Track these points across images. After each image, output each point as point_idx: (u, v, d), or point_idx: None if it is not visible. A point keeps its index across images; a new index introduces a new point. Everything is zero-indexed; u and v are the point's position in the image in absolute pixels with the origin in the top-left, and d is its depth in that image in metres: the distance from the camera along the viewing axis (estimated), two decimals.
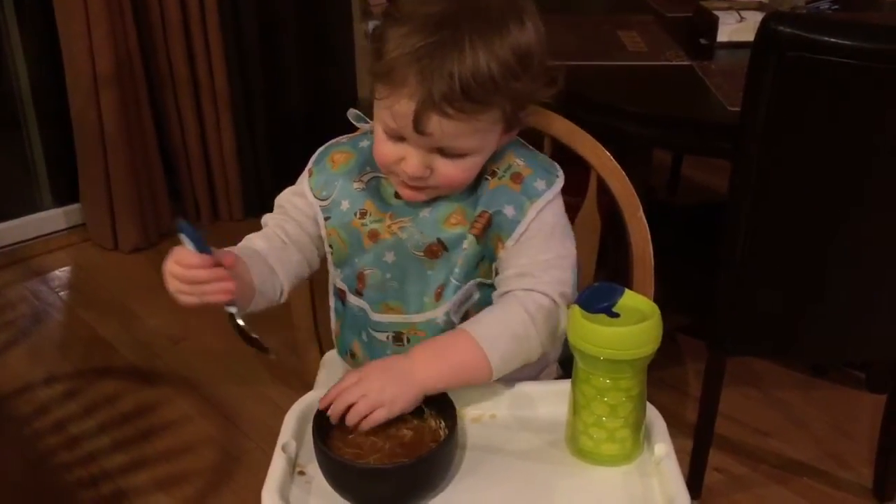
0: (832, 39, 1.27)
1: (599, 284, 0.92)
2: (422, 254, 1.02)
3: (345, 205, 1.05)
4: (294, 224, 1.07)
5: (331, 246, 1.07)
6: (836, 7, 2.14)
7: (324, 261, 1.11)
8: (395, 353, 1.05)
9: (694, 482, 1.72)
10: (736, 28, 1.91)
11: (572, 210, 1.25)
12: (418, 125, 0.92)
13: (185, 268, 0.89)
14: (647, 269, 1.18)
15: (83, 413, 2.00)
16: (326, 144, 1.10)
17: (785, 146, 1.37)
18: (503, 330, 0.97)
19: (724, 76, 1.74)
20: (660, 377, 2.07)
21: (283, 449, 0.92)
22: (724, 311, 1.55)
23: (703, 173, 2.94)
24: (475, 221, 1.01)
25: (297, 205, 1.08)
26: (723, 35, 1.92)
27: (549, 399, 1.00)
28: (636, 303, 0.90)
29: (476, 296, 1.04)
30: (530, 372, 1.12)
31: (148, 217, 2.66)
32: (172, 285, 0.91)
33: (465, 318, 1.03)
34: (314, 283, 1.18)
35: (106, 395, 2.06)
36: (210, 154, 2.75)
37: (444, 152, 0.96)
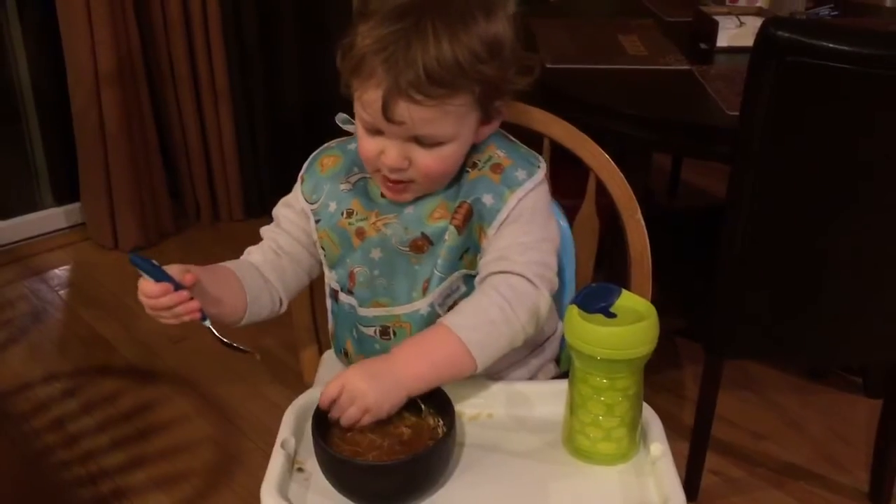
0: (830, 45, 1.27)
1: (597, 285, 0.93)
2: (407, 249, 1.03)
3: (332, 206, 1.07)
4: (286, 236, 1.10)
5: (323, 248, 1.09)
6: (835, 13, 2.15)
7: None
8: (383, 346, 1.06)
9: (690, 485, 1.72)
10: (735, 33, 1.92)
11: (571, 212, 1.26)
12: (387, 112, 0.94)
13: (148, 298, 0.94)
14: (646, 271, 1.19)
15: (82, 411, 2.00)
16: (317, 150, 1.12)
17: (783, 150, 1.38)
18: (480, 317, 0.96)
19: (723, 80, 1.75)
20: (657, 380, 2.08)
21: (283, 446, 0.93)
22: (720, 313, 1.56)
23: (703, 177, 2.94)
24: (455, 213, 1.02)
25: (287, 216, 1.11)
26: (722, 40, 1.93)
27: (547, 398, 1.01)
28: (633, 303, 0.91)
29: (462, 288, 1.04)
30: (527, 370, 1.13)
31: (148, 216, 2.67)
32: (147, 312, 0.96)
33: (451, 310, 1.03)
34: (313, 284, 1.19)
35: (105, 394, 2.06)
36: (210, 154, 2.76)
37: (420, 142, 0.97)
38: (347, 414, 0.90)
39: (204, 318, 0.97)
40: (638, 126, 1.66)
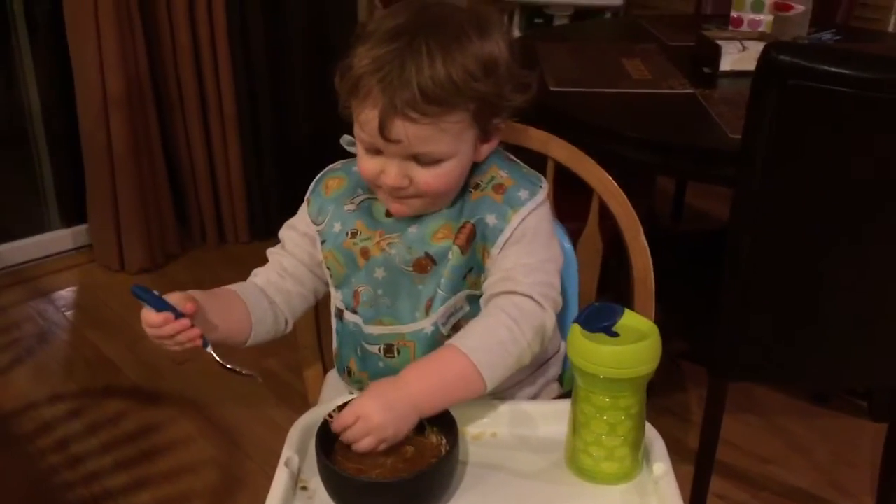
0: (832, 69, 1.28)
1: (600, 304, 0.94)
2: (410, 269, 1.04)
3: (337, 227, 1.08)
4: (290, 258, 1.12)
5: (329, 268, 1.10)
6: (838, 38, 2.16)
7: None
8: (387, 364, 1.07)
9: None
10: (738, 57, 1.94)
11: (575, 235, 1.27)
12: (384, 131, 0.95)
13: (151, 328, 0.96)
14: (648, 291, 1.19)
15: (86, 432, 2.01)
16: (322, 172, 1.14)
17: (785, 173, 1.39)
18: (489, 338, 0.97)
19: (726, 104, 1.76)
20: (662, 403, 2.08)
21: (286, 464, 0.93)
22: (724, 336, 1.56)
23: (707, 201, 2.95)
24: (458, 232, 1.03)
25: (292, 238, 1.12)
26: (725, 64, 1.95)
27: (550, 418, 1.01)
28: (636, 322, 0.91)
29: (466, 308, 1.05)
30: (531, 390, 1.13)
31: (154, 239, 2.68)
32: (152, 341, 0.98)
33: (455, 329, 1.04)
34: (317, 304, 1.20)
35: (109, 415, 2.07)
36: (217, 177, 2.78)
37: (418, 160, 0.98)
38: (363, 443, 0.91)
39: (206, 345, 0.98)
40: (641, 149, 1.68)
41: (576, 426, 0.93)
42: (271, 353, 2.09)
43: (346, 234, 1.07)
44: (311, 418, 0.99)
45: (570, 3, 3.18)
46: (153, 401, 2.13)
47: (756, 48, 1.86)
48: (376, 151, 0.99)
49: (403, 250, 1.04)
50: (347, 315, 1.09)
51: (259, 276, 1.12)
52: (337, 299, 1.11)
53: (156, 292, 0.97)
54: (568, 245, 1.24)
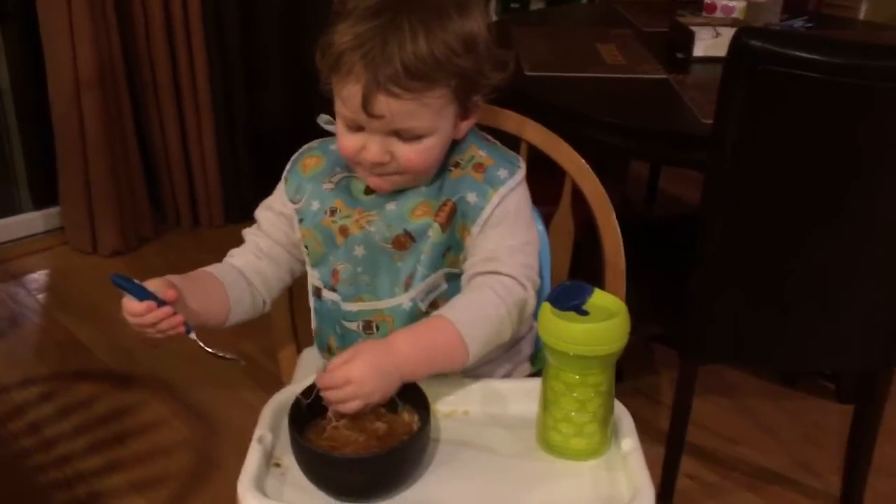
0: (801, 54, 1.30)
1: (570, 283, 0.95)
2: (390, 245, 1.05)
3: (315, 205, 1.08)
4: (266, 238, 1.13)
5: (306, 247, 1.10)
6: (810, 25, 2.19)
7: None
8: (366, 340, 1.07)
9: (666, 488, 1.74)
10: (711, 43, 1.95)
11: (546, 219, 1.28)
12: (367, 107, 0.96)
13: (133, 316, 0.96)
14: (619, 273, 1.20)
15: (59, 415, 2.00)
16: (299, 151, 1.14)
17: (755, 157, 1.40)
18: (478, 313, 0.99)
19: (698, 89, 1.78)
20: (634, 385, 2.10)
21: (260, 441, 0.94)
22: (694, 319, 1.58)
23: (680, 186, 2.98)
24: (439, 210, 1.04)
25: (268, 218, 1.13)
26: (699, 50, 1.96)
27: (521, 396, 1.02)
28: (605, 301, 0.93)
29: (444, 286, 1.06)
30: (504, 369, 1.14)
31: (127, 221, 2.67)
32: (133, 329, 0.98)
33: (434, 307, 1.06)
34: (291, 285, 1.20)
35: (82, 398, 2.06)
36: (191, 160, 2.77)
37: (400, 135, 0.99)
38: (347, 406, 0.92)
39: (189, 331, 0.99)
40: (615, 133, 1.69)
41: (546, 403, 0.95)
42: (246, 335, 2.08)
43: (325, 212, 1.08)
44: (284, 397, 1.00)
45: None
46: (126, 383, 2.12)
47: (729, 34, 1.86)
48: (357, 128, 1.00)
49: (383, 227, 1.05)
50: (326, 293, 1.10)
51: (236, 256, 1.12)
52: (315, 278, 1.11)
53: (136, 280, 0.96)
54: (541, 227, 1.25)
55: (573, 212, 1.27)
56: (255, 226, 1.14)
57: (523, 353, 1.17)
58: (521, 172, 1.07)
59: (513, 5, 3.26)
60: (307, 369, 1.22)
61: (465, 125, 1.05)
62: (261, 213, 1.14)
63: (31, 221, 2.75)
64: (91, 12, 2.40)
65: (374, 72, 0.94)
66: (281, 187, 1.12)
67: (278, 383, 1.36)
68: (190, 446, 1.92)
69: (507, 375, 1.15)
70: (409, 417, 0.94)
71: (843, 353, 1.62)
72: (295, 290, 1.27)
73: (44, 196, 2.75)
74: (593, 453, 0.95)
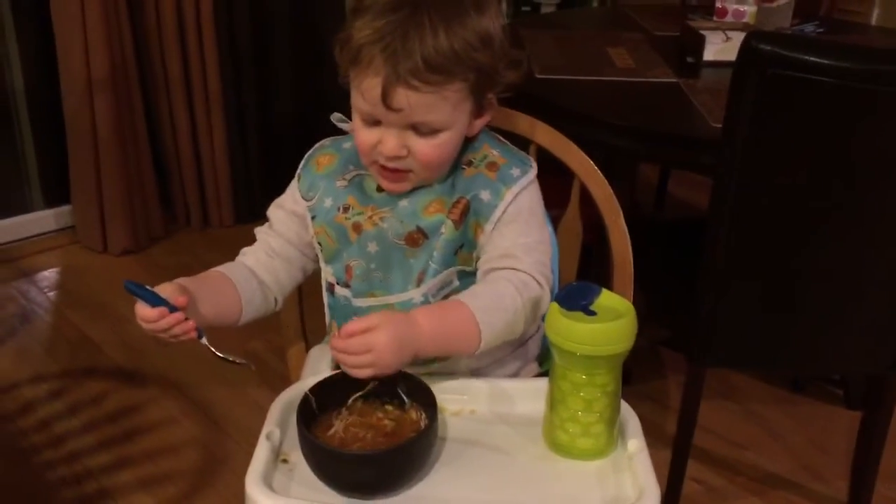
0: (811, 58, 1.30)
1: (578, 283, 0.95)
2: (402, 242, 1.06)
3: (328, 202, 1.09)
4: (277, 238, 1.14)
5: (319, 244, 1.11)
6: (821, 30, 2.19)
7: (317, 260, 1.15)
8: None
9: (672, 492, 1.73)
10: (722, 47, 1.95)
11: (556, 222, 1.28)
12: (387, 100, 0.97)
13: (145, 322, 0.97)
14: (627, 275, 1.21)
15: (68, 412, 2.01)
16: (312, 149, 1.15)
17: (765, 161, 1.40)
18: (496, 302, 1.00)
19: (709, 93, 1.78)
20: (641, 389, 2.10)
21: (268, 437, 0.94)
22: (702, 322, 1.58)
23: (689, 190, 2.98)
24: (453, 207, 1.05)
25: (279, 217, 1.14)
26: (709, 54, 1.96)
27: (528, 395, 1.03)
28: (612, 302, 0.93)
29: (456, 283, 1.07)
30: (511, 368, 1.15)
31: (138, 221, 2.68)
32: (147, 334, 0.99)
33: None
34: (300, 283, 1.21)
35: (91, 395, 2.07)
36: (202, 160, 2.78)
37: (417, 129, 1.00)
38: (362, 372, 0.93)
39: (200, 336, 1.00)
40: (625, 137, 1.69)
41: (553, 402, 0.95)
42: (254, 335, 2.10)
43: (338, 209, 1.09)
44: (293, 393, 1.00)
45: None
46: (135, 381, 2.13)
47: (739, 38, 1.86)
48: (374, 122, 1.01)
49: (396, 224, 1.06)
50: (338, 289, 1.11)
51: (248, 255, 1.14)
52: (328, 273, 1.12)
53: (148, 287, 0.98)
54: (549, 228, 1.25)
55: (582, 214, 1.28)
56: (266, 225, 1.16)
57: (531, 353, 1.18)
58: (533, 172, 1.08)
59: (524, 8, 3.27)
60: (315, 367, 1.22)
61: (479, 123, 1.07)
62: (273, 211, 1.15)
63: (42, 220, 2.77)
64: (104, 13, 2.42)
65: (394, 65, 0.95)
66: (294, 185, 1.13)
67: (286, 383, 1.36)
68: (198, 444, 1.93)
69: (515, 375, 1.15)
70: (416, 415, 0.95)
71: (851, 357, 1.62)
72: (304, 289, 1.27)
73: (55, 195, 2.77)
74: (599, 453, 0.95)
